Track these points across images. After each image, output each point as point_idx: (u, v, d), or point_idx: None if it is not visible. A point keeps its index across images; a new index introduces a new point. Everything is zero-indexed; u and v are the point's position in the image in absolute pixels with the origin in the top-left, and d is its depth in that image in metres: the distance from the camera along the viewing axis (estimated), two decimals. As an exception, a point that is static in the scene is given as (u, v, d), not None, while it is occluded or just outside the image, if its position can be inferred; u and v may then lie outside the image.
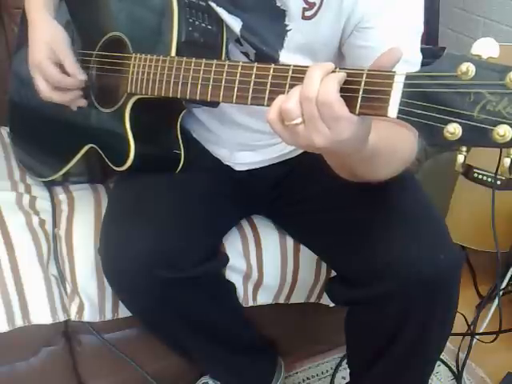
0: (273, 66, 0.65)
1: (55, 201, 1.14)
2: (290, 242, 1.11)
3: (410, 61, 0.82)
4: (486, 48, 0.52)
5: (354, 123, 0.59)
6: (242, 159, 1.07)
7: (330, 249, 1.00)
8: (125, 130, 0.91)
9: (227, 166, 1.08)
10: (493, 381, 1.41)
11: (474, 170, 1.51)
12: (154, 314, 0.99)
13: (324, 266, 1.12)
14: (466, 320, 1.45)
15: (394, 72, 0.56)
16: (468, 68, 0.51)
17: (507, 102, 0.49)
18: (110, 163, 0.96)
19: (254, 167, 1.08)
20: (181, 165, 0.99)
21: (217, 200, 1.03)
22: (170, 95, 0.80)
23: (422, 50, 0.87)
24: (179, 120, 0.98)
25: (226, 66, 0.70)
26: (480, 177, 1.51)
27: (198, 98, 0.75)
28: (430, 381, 1.07)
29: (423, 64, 0.84)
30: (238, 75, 0.68)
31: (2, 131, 1.37)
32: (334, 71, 0.60)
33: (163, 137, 0.98)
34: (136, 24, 0.91)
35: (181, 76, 0.77)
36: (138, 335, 1.14)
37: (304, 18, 0.87)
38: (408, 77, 0.55)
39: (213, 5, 0.89)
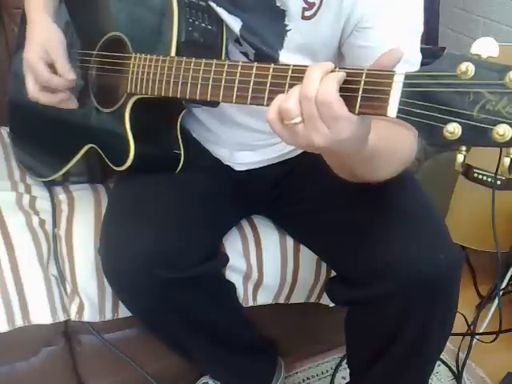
0: (272, 65, 0.65)
1: (55, 201, 1.14)
2: (290, 242, 1.11)
3: (410, 61, 0.82)
4: (486, 47, 0.51)
5: (354, 123, 0.59)
6: (242, 159, 1.07)
7: (329, 249, 1.00)
8: (125, 130, 0.91)
9: (227, 165, 1.08)
10: (493, 381, 1.41)
11: (474, 170, 1.51)
12: (154, 313, 0.99)
13: (324, 266, 1.12)
14: (466, 320, 1.45)
15: (394, 72, 0.56)
16: (467, 67, 0.51)
17: (507, 102, 0.49)
18: (109, 163, 0.96)
19: (253, 167, 1.08)
20: (181, 165, 0.99)
21: (217, 200, 1.03)
22: (170, 95, 0.80)
23: (422, 50, 0.87)
24: (179, 120, 0.98)
25: (226, 66, 0.70)
26: (480, 177, 1.51)
27: (197, 98, 0.75)
28: (430, 381, 1.07)
29: (423, 64, 0.84)
30: (238, 75, 0.68)
31: (2, 131, 1.37)
32: (333, 71, 0.60)
33: (163, 137, 0.98)
34: (136, 24, 0.91)
35: (181, 76, 0.77)
36: (138, 335, 1.14)
37: (304, 17, 0.87)
38: (407, 76, 0.55)
39: (213, 5, 0.89)
